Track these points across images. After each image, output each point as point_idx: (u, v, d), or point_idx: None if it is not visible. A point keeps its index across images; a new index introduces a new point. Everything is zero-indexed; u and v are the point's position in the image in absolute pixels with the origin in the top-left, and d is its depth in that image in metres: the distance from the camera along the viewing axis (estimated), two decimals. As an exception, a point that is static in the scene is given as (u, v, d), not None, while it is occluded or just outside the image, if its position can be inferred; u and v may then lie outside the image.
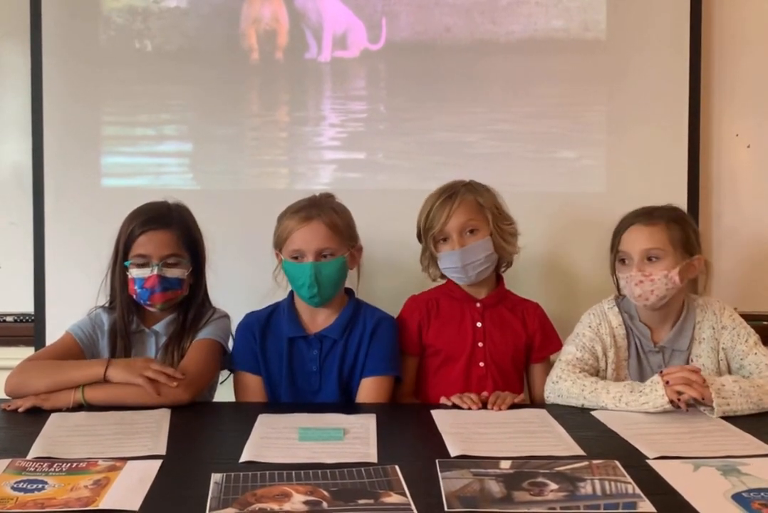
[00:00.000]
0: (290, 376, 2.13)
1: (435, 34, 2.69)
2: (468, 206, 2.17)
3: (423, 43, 2.69)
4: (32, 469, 1.47)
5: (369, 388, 2.11)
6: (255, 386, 2.13)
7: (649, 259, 2.05)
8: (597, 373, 2.10)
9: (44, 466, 1.48)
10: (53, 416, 1.82)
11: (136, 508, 1.29)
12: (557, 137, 2.70)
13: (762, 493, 1.36)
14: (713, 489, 1.39)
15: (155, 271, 2.05)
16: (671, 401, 1.83)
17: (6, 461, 1.50)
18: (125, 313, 2.12)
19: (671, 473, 1.46)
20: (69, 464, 1.49)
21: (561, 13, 2.69)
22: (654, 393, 1.86)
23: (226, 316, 2.20)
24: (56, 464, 1.49)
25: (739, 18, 2.73)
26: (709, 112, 2.73)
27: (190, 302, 2.16)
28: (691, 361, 2.11)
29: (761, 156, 2.77)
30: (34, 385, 1.92)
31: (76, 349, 2.08)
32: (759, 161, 2.77)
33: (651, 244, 2.05)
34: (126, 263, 2.08)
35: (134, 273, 2.07)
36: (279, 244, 2.13)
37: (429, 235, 2.18)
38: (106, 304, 2.17)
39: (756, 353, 2.07)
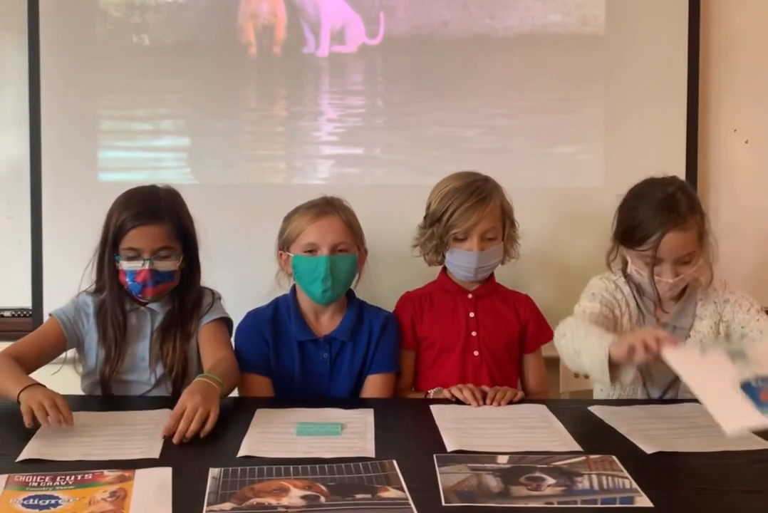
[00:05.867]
0: (302, 378, 2.12)
1: (433, 29, 2.69)
2: (495, 212, 2.17)
3: (421, 37, 2.69)
4: (35, 484, 1.39)
5: (376, 385, 2.13)
6: (265, 388, 2.11)
7: (682, 261, 2.00)
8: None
9: (47, 479, 1.40)
10: None
11: None
12: (555, 132, 2.70)
13: None
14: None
15: (147, 266, 2.01)
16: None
17: (3, 477, 1.41)
18: (117, 298, 2.08)
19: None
20: (74, 477, 1.42)
21: (559, 8, 2.69)
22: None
23: (220, 296, 2.20)
24: (59, 477, 1.41)
25: (738, 13, 2.73)
26: (707, 107, 2.74)
27: (186, 288, 2.13)
28: (688, 336, 2.09)
29: (759, 151, 2.77)
30: None
31: (57, 335, 2.06)
32: (757, 156, 2.77)
33: (687, 250, 1.98)
34: (116, 257, 2.04)
35: (125, 265, 2.03)
36: (288, 242, 2.13)
37: (449, 233, 2.15)
38: (90, 289, 2.13)
39: (759, 320, 2.01)
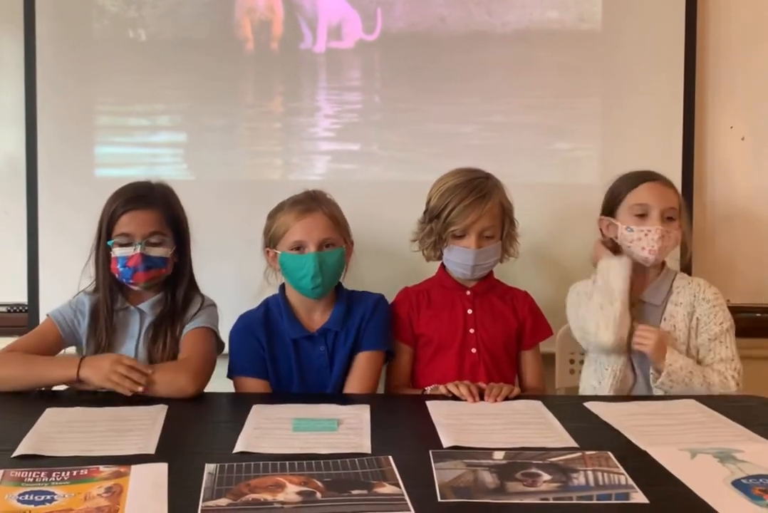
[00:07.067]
0: (301, 374, 2.12)
1: (430, 25, 2.68)
2: (495, 211, 2.16)
3: (418, 33, 2.68)
4: (31, 480, 1.38)
5: (363, 363, 2.12)
6: (262, 391, 2.10)
7: (667, 217, 2.11)
8: None
9: (42, 475, 1.40)
10: (48, 411, 1.78)
11: None
12: (552, 128, 2.70)
13: (761, 480, 1.38)
14: (712, 476, 1.40)
15: (138, 250, 2.04)
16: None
17: None
18: (109, 292, 2.10)
19: (669, 461, 1.47)
20: (69, 472, 1.41)
21: (556, 4, 2.68)
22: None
23: (215, 305, 2.19)
24: (55, 473, 1.40)
25: (735, 10, 2.73)
26: (704, 103, 2.74)
27: (176, 282, 2.15)
28: (664, 320, 2.15)
29: (755, 148, 2.77)
30: (7, 381, 1.92)
31: (54, 335, 2.08)
32: (753, 153, 2.77)
33: (671, 203, 2.12)
34: (109, 243, 2.07)
35: (117, 252, 2.06)
36: (275, 239, 2.12)
37: (448, 230, 2.15)
38: (89, 289, 2.15)
39: (721, 342, 2.11)
